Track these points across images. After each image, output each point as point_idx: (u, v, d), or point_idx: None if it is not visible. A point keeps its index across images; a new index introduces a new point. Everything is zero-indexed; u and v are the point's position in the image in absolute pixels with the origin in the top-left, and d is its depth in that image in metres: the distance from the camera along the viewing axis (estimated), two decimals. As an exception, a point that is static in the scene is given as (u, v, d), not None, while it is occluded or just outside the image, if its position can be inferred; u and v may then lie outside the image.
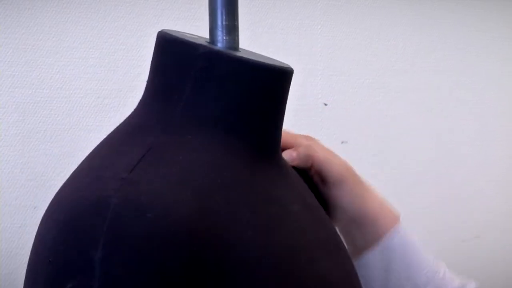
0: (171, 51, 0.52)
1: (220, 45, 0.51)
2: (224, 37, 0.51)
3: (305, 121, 0.84)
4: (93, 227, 0.43)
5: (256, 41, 0.69)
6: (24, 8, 0.93)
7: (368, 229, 0.67)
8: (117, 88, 0.83)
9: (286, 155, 0.65)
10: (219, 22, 0.51)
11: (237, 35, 0.52)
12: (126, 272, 0.42)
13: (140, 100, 0.53)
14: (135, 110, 0.53)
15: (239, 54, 0.51)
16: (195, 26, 0.62)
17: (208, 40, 0.51)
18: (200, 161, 0.49)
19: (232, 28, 0.52)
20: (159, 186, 0.45)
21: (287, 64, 0.55)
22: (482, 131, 1.33)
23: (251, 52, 0.56)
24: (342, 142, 0.83)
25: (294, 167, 0.63)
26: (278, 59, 0.56)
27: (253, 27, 0.69)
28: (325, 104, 0.85)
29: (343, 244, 0.61)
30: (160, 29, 0.52)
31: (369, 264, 0.70)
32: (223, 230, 0.47)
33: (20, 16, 0.95)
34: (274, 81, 0.54)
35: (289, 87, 0.55)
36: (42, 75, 0.93)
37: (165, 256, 0.43)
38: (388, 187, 1.06)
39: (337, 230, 0.62)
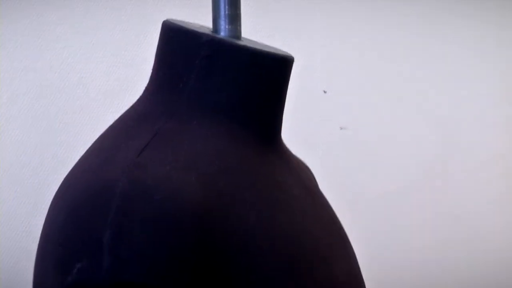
0: (175, 40, 0.52)
1: (223, 34, 0.52)
2: (227, 26, 0.52)
3: (305, 108, 0.86)
4: (102, 209, 0.44)
5: (257, 29, 0.71)
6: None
7: None
8: (125, 73, 0.84)
9: None
10: (222, 12, 0.52)
11: (240, 24, 0.53)
12: (134, 253, 0.43)
13: (146, 88, 0.54)
14: (141, 97, 0.54)
15: (241, 42, 0.52)
16: (200, 13, 0.63)
17: (212, 29, 0.52)
18: (205, 147, 0.50)
19: (234, 18, 0.52)
20: (165, 170, 0.46)
21: (287, 53, 0.55)
22: (480, 116, 1.34)
23: (253, 41, 0.56)
24: (341, 128, 0.84)
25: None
26: (279, 47, 0.57)
27: (254, 16, 0.70)
28: (325, 92, 0.87)
29: (342, 227, 0.62)
30: (165, 18, 0.53)
31: None
32: (227, 213, 0.47)
33: (32, 2, 0.97)
34: (275, 69, 0.54)
35: (290, 74, 0.55)
36: (52, 59, 0.95)
37: (172, 238, 0.44)
38: (387, 173, 1.08)
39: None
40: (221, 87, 0.52)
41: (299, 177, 0.59)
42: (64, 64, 0.96)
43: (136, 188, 0.44)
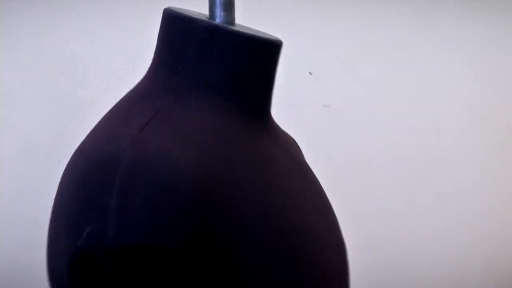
0: (175, 26, 0.55)
1: (218, 20, 0.54)
2: (221, 13, 0.54)
3: (292, 87, 0.89)
4: (108, 179, 0.46)
5: (249, 16, 0.75)
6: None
7: None
8: (130, 58, 0.87)
9: None
10: (217, 0, 0.55)
11: (233, 11, 0.56)
12: (138, 218, 0.45)
13: (148, 70, 0.56)
14: (143, 78, 0.56)
15: (235, 28, 0.54)
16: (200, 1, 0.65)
17: (208, 16, 0.55)
18: (202, 123, 0.53)
19: (228, 5, 0.55)
20: (165, 144, 0.48)
21: (277, 37, 0.58)
22: (462, 101, 1.37)
23: (245, 26, 0.58)
24: (324, 106, 0.88)
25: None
26: (270, 32, 0.59)
27: (247, 2, 0.73)
28: (310, 73, 0.90)
29: (326, 196, 0.65)
30: (165, 6, 0.55)
31: None
32: (221, 184, 0.50)
33: None
34: (265, 52, 0.56)
35: (279, 57, 0.58)
36: (61, 48, 0.98)
37: (171, 205, 0.46)
38: (371, 149, 1.12)
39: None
40: (216, 68, 0.54)
41: (287, 150, 0.62)
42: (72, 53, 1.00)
43: (139, 161, 0.47)
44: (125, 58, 0.92)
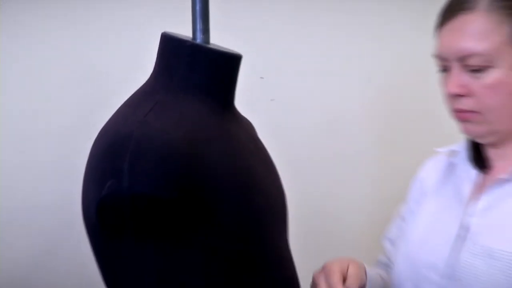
0: (169, 44, 0.69)
1: (199, 40, 0.69)
2: (201, 36, 0.70)
3: (249, 87, 0.99)
4: (123, 149, 0.58)
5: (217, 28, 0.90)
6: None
7: None
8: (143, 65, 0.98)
9: None
10: (197, 27, 0.69)
11: (209, 34, 0.71)
12: (143, 176, 0.57)
13: (150, 76, 0.70)
14: (146, 81, 0.71)
15: (210, 46, 0.69)
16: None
17: (191, 38, 0.69)
18: (188, 112, 0.65)
19: (205, 30, 0.70)
20: (162, 126, 0.60)
21: (238, 52, 0.73)
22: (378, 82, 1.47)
23: (217, 45, 0.73)
24: (271, 100, 1.02)
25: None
26: (234, 43, 0.75)
27: (215, 16, 0.89)
28: (262, 78, 1.05)
29: (270, 157, 0.80)
30: (163, 30, 0.70)
31: None
32: (202, 150, 0.63)
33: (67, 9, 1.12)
34: (231, 62, 0.71)
35: (239, 66, 0.72)
36: (81, 54, 1.11)
37: (166, 167, 0.59)
38: (304, 129, 1.24)
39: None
40: (197, 74, 0.68)
41: (246, 129, 0.77)
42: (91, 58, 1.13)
43: (143, 137, 0.59)
44: (136, 63, 1.01)
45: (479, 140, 0.77)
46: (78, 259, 0.99)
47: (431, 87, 0.87)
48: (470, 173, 0.78)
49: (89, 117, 1.02)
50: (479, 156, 0.79)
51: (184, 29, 0.74)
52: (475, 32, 0.69)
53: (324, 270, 0.75)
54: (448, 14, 0.72)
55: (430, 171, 0.89)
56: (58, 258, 1.09)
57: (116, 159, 0.60)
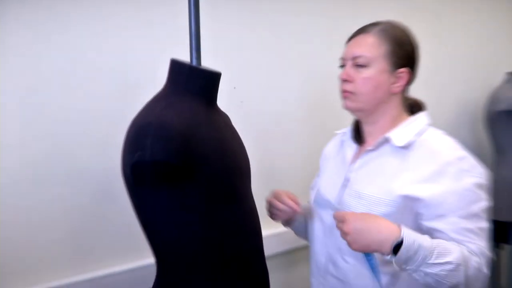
0: (175, 66, 0.90)
1: (194, 63, 0.92)
2: (195, 61, 0.92)
3: (225, 93, 1.09)
4: (147, 131, 0.77)
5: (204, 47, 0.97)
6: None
7: None
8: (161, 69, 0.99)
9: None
10: (194, 54, 0.92)
11: (200, 60, 0.92)
12: (159, 148, 0.75)
13: (164, 84, 0.91)
14: (163, 87, 0.91)
15: (202, 67, 0.91)
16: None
17: (189, 61, 0.92)
18: (187, 108, 0.85)
19: (198, 57, 0.92)
20: (172, 116, 0.81)
21: (219, 70, 0.93)
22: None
23: (206, 66, 0.94)
24: (240, 101, 1.21)
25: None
26: (216, 63, 0.96)
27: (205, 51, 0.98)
28: (234, 88, 1.27)
29: (241, 140, 0.97)
30: (170, 56, 0.92)
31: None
32: (196, 133, 0.82)
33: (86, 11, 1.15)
34: (214, 78, 0.93)
35: (219, 79, 0.94)
36: (120, 55, 1.20)
37: (172, 142, 0.76)
38: (265, 121, 1.37)
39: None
40: (193, 85, 0.89)
41: (224, 120, 0.97)
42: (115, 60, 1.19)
43: (160, 124, 0.77)
44: (159, 67, 1.02)
45: (353, 114, 1.02)
46: (120, 209, 1.12)
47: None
48: (352, 146, 1.05)
49: (124, 109, 1.04)
50: (358, 135, 1.06)
51: (183, 51, 0.96)
52: (365, 44, 0.95)
53: (274, 193, 1.01)
54: (354, 34, 1.00)
55: (331, 146, 1.15)
56: (106, 208, 1.19)
57: (142, 137, 0.77)
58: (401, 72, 0.96)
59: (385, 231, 0.82)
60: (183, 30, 0.96)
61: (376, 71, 0.95)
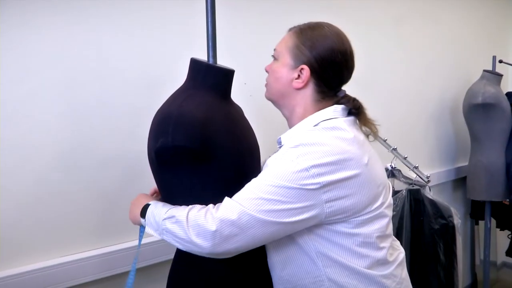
0: (195, 64, 0.97)
1: (211, 61, 0.99)
2: (212, 59, 0.99)
3: (237, 87, 1.07)
4: (169, 121, 0.83)
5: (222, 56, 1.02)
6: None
7: None
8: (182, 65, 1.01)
9: None
10: (210, 53, 0.99)
11: (216, 58, 0.99)
12: (179, 135, 0.82)
13: (185, 80, 0.98)
14: (184, 82, 0.98)
15: (217, 65, 0.98)
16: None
17: (206, 60, 0.99)
18: (204, 101, 0.92)
19: (214, 56, 0.99)
20: (191, 107, 0.87)
21: (232, 68, 0.99)
22: None
23: (221, 64, 1.01)
24: (250, 95, 1.18)
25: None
26: (230, 62, 1.01)
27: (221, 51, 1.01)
28: (245, 83, 1.27)
29: (252, 129, 1.03)
30: (191, 55, 0.99)
31: None
32: (212, 121, 0.88)
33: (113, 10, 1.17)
34: (228, 75, 0.99)
35: (233, 76, 1.01)
36: (131, 48, 1.21)
37: (192, 129, 0.83)
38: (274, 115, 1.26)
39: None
40: (210, 81, 0.95)
41: (237, 111, 1.03)
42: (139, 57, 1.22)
43: (180, 114, 0.84)
44: (180, 65, 1.05)
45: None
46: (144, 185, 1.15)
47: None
48: None
49: (150, 100, 1.04)
50: None
51: (201, 50, 1.02)
52: (282, 39, 0.95)
53: None
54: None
55: None
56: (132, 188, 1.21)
57: (165, 125, 0.83)
58: (302, 69, 0.91)
59: (139, 204, 0.92)
60: (201, 29, 1.01)
61: (280, 63, 0.94)
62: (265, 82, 0.98)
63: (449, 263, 1.80)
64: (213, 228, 0.79)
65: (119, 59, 1.21)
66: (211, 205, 0.83)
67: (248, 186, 0.84)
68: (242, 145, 0.94)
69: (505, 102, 2.30)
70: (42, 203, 1.12)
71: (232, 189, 0.83)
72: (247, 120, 1.06)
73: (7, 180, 1.06)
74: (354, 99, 0.96)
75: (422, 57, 2.27)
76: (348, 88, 0.97)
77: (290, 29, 0.96)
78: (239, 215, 0.79)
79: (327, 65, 0.91)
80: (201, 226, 0.80)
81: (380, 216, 0.91)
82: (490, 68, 2.42)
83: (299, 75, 0.92)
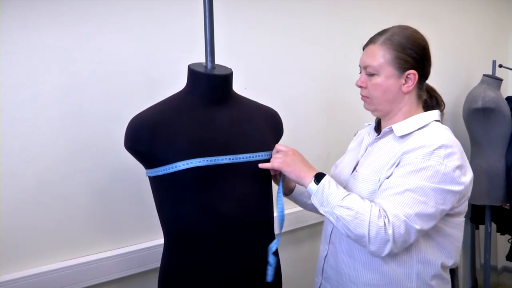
0: (192, 73, 0.97)
1: (209, 66, 0.97)
2: (209, 64, 0.98)
3: (238, 86, 1.08)
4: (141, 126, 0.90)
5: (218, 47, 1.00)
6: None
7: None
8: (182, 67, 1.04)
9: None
10: (209, 59, 0.98)
11: (214, 64, 0.98)
12: (125, 137, 0.87)
13: (184, 87, 0.98)
14: (183, 89, 0.98)
15: (216, 72, 0.96)
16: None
17: (205, 65, 0.98)
18: (178, 105, 0.92)
19: (212, 61, 0.98)
20: (147, 110, 0.91)
21: (230, 69, 0.98)
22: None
23: (219, 65, 0.99)
24: (245, 88, 1.14)
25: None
26: (229, 63, 1.02)
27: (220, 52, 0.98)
28: (245, 88, 1.18)
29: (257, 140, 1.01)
30: (189, 60, 1.00)
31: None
32: (166, 125, 0.88)
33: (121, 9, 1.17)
34: (227, 78, 0.98)
35: (232, 78, 1.00)
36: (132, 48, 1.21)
37: (135, 131, 0.86)
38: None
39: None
40: (207, 87, 0.95)
41: (237, 115, 0.98)
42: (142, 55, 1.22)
43: (134, 117, 0.89)
44: (182, 67, 1.03)
45: (373, 114, 1.09)
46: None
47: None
48: (372, 135, 1.13)
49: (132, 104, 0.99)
50: (378, 127, 1.14)
51: (200, 54, 1.03)
52: (372, 54, 1.01)
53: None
54: (366, 43, 1.07)
55: (360, 134, 1.23)
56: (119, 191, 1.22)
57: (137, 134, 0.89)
58: (409, 74, 1.01)
59: (312, 168, 0.98)
60: (200, 31, 1.01)
61: (384, 77, 1.01)
62: (363, 96, 1.05)
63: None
64: (389, 245, 0.88)
65: (121, 61, 1.21)
66: (382, 215, 0.89)
67: (400, 191, 0.90)
68: (213, 151, 0.91)
69: (505, 106, 2.30)
70: (44, 206, 1.11)
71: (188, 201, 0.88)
72: (246, 125, 1.00)
73: (10, 181, 1.06)
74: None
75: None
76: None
77: (373, 42, 1.02)
78: (407, 229, 0.89)
79: (425, 62, 1.02)
80: (379, 234, 0.88)
81: None
82: (490, 73, 2.42)
83: (406, 81, 1.01)
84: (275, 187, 1.06)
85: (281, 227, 1.01)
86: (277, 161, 0.96)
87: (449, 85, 2.50)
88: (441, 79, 2.32)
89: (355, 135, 1.26)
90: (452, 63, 2.51)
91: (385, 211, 0.90)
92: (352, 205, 0.90)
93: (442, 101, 1.10)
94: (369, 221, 0.88)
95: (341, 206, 0.90)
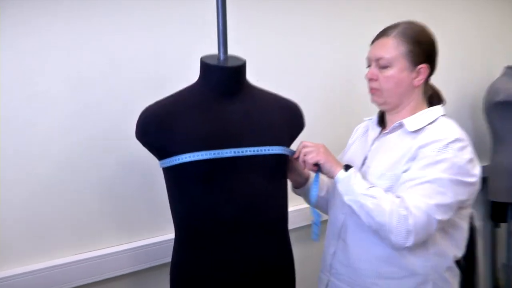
0: (204, 65, 0.96)
1: (222, 58, 0.97)
2: (222, 56, 0.97)
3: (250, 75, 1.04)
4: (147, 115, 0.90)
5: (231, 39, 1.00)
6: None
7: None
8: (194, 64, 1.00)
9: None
10: (221, 50, 0.97)
11: (227, 55, 0.97)
12: (136, 129, 0.90)
13: (197, 80, 0.98)
14: (195, 82, 0.97)
15: (228, 64, 0.95)
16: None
17: (217, 57, 0.97)
18: (188, 98, 0.93)
19: (225, 52, 0.98)
20: (156, 103, 0.92)
21: (244, 58, 0.97)
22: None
23: (233, 56, 0.98)
24: (257, 80, 1.07)
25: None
26: (243, 53, 0.99)
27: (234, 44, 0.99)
28: (257, 80, 1.09)
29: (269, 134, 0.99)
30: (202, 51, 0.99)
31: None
32: (175, 116, 0.89)
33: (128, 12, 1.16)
34: (239, 69, 0.97)
35: (245, 68, 0.98)
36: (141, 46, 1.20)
37: (145, 123, 0.90)
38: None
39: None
40: (218, 79, 0.94)
41: (248, 108, 0.95)
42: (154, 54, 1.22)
43: (144, 109, 0.91)
44: (191, 63, 1.04)
45: (379, 107, 1.09)
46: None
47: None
48: (376, 130, 1.13)
49: (134, 98, 0.98)
50: (381, 121, 1.13)
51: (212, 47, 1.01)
52: (386, 47, 1.01)
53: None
54: (377, 37, 1.06)
55: (359, 129, 1.23)
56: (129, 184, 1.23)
57: (144, 125, 0.92)
58: (421, 68, 1.02)
59: (335, 159, 1.02)
60: (212, 26, 1.00)
61: (397, 70, 1.01)
62: (373, 89, 1.05)
63: (469, 266, 1.74)
64: (412, 236, 0.89)
65: (128, 59, 1.20)
66: (404, 205, 0.90)
67: (420, 183, 0.91)
68: (220, 144, 0.90)
69: (529, 100, 2.23)
70: (56, 201, 1.12)
71: (192, 195, 0.88)
72: (258, 118, 0.98)
73: (23, 177, 1.07)
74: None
75: (442, 52, 2.17)
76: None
77: (386, 35, 1.02)
78: (428, 219, 0.90)
79: (435, 56, 1.04)
80: (400, 223, 0.89)
81: None
82: (513, 65, 2.35)
83: (417, 75, 1.02)
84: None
85: (316, 214, 1.04)
86: (312, 154, 0.99)
87: (468, 77, 2.42)
88: (460, 71, 2.32)
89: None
90: (472, 55, 2.43)
91: (406, 202, 0.91)
92: (376, 194, 0.93)
93: (442, 96, 1.11)
94: (391, 209, 0.90)
95: (365, 195, 0.93)
